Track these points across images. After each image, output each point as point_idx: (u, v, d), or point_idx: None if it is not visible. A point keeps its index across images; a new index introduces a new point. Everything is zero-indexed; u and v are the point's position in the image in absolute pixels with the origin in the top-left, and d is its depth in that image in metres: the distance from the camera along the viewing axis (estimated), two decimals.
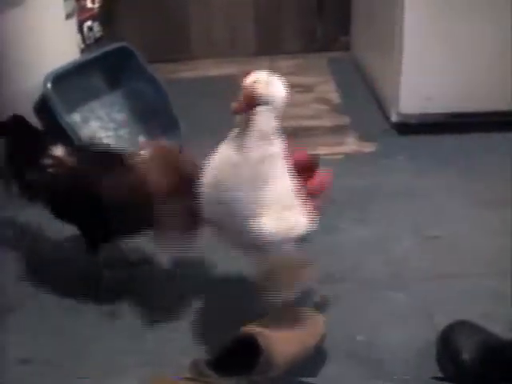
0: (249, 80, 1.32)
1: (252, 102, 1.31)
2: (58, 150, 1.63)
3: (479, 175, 2.05)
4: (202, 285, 1.65)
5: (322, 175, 1.50)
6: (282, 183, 1.37)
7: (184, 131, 2.23)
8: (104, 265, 1.64)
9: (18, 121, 1.74)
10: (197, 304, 1.59)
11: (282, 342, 1.34)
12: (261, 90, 1.30)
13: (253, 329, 1.34)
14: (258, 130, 1.32)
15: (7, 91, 2.09)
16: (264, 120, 1.32)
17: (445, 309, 1.53)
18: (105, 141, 2.20)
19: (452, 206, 1.92)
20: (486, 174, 2.05)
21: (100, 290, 1.63)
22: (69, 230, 1.64)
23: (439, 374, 1.37)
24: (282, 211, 1.36)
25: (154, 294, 1.64)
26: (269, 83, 1.32)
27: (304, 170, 1.45)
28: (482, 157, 2.15)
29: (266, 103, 1.31)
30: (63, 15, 2.14)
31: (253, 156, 1.33)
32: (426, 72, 2.23)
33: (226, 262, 1.68)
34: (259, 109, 1.31)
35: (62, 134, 1.98)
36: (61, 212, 1.62)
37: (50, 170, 1.62)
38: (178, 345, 1.48)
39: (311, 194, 1.43)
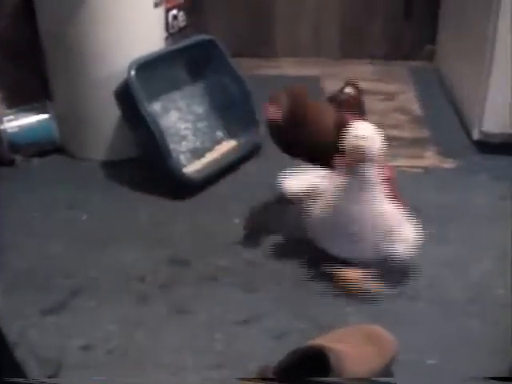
0: (353, 135, 1.52)
1: (358, 158, 1.52)
2: None
3: None
4: None
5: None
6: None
7: (263, 129, 2.21)
8: None
9: None
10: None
11: (351, 360, 1.30)
12: (366, 148, 1.51)
13: (323, 344, 1.30)
14: (364, 181, 1.55)
15: (92, 74, 2.10)
16: (368, 171, 1.54)
17: None
18: (182, 133, 2.19)
19: None
20: None
21: None
22: None
23: None
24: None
25: None
26: (372, 140, 1.53)
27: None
28: None
29: (371, 160, 1.52)
30: (152, 3, 2.13)
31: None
32: None
33: None
34: (365, 164, 1.53)
35: (141, 122, 1.98)
36: None
37: None
38: (247, 348, 1.47)
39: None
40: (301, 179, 1.67)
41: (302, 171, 1.70)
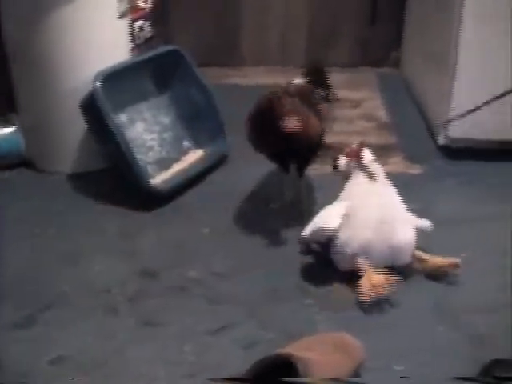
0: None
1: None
2: None
3: None
4: None
5: None
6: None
7: (230, 138, 2.22)
8: None
9: None
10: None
11: (320, 368, 1.31)
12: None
13: (291, 352, 1.31)
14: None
15: (56, 87, 2.09)
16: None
17: (491, 343, 1.49)
18: (149, 143, 2.19)
19: (505, 237, 1.86)
20: None
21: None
22: None
23: None
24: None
25: None
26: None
27: None
28: None
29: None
30: (116, 14, 2.13)
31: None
32: (478, 95, 2.18)
33: None
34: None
35: (107, 134, 1.98)
36: None
37: None
38: (218, 358, 1.47)
39: None
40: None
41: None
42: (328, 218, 1.70)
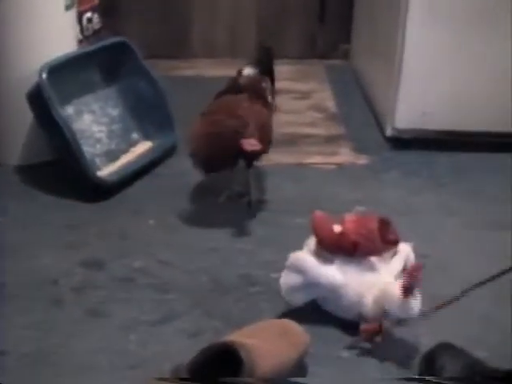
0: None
1: None
2: None
3: (473, 196, 2.04)
4: None
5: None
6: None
7: (179, 130, 2.22)
8: None
9: None
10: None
11: (262, 353, 1.32)
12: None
13: (234, 340, 1.31)
14: None
15: (4, 76, 2.08)
16: None
17: (430, 330, 1.51)
18: (96, 135, 2.18)
19: (444, 226, 1.91)
20: (481, 195, 2.05)
21: None
22: None
23: None
24: None
25: None
26: None
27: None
28: (477, 177, 2.14)
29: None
30: (63, 6, 2.11)
31: None
32: (424, 87, 2.22)
33: None
34: None
35: (54, 125, 1.96)
36: None
37: None
38: (162, 348, 1.47)
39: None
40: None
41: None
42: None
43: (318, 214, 1.53)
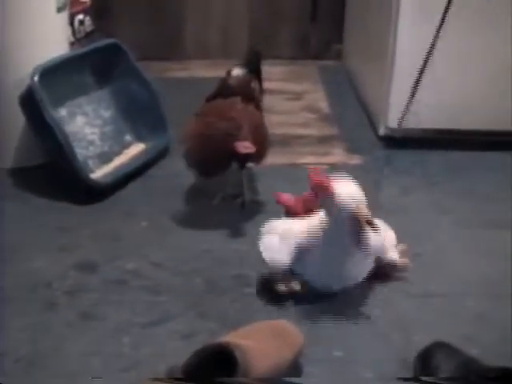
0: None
1: None
2: None
3: (466, 194, 2.05)
4: None
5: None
6: None
7: (172, 132, 2.22)
8: None
9: None
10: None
11: (257, 354, 1.32)
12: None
13: (229, 341, 1.31)
14: None
15: None
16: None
17: (424, 328, 1.51)
18: (89, 138, 2.17)
19: (437, 224, 1.91)
20: (474, 194, 2.05)
21: None
22: None
23: None
24: None
25: None
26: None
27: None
28: (470, 176, 2.15)
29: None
30: (54, 8, 2.11)
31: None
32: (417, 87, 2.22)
33: None
34: None
35: (47, 128, 1.96)
36: None
37: None
38: (156, 350, 1.46)
39: None
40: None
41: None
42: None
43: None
